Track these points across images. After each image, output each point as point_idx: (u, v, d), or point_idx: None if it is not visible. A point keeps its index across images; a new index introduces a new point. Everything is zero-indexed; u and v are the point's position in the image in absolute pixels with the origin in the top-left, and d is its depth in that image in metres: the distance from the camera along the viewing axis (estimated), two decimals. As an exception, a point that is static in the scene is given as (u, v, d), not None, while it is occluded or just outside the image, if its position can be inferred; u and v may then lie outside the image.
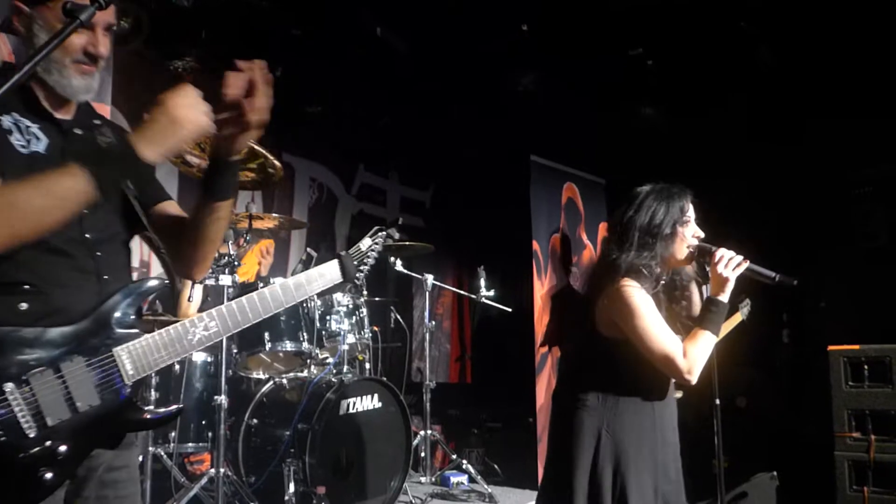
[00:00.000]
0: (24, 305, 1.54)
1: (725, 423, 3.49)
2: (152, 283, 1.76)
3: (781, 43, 5.36)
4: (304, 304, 4.04)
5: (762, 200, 6.01)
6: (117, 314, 1.64)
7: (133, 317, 1.66)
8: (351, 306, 4.27)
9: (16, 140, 1.61)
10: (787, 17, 5.08)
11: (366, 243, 2.04)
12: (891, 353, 4.47)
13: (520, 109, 6.18)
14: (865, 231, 5.93)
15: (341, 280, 1.92)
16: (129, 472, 1.74)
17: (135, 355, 1.62)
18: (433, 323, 5.15)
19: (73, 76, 1.69)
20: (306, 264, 4.41)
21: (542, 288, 5.27)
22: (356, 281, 2.04)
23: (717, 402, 3.53)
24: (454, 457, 4.88)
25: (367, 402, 3.98)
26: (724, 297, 2.35)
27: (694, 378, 2.29)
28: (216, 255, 3.84)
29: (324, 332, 4.15)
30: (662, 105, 6.21)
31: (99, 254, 1.69)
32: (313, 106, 5.98)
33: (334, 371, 4.17)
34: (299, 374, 4.22)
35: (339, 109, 6.10)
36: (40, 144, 1.65)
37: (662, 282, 2.44)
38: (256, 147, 3.68)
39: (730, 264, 2.34)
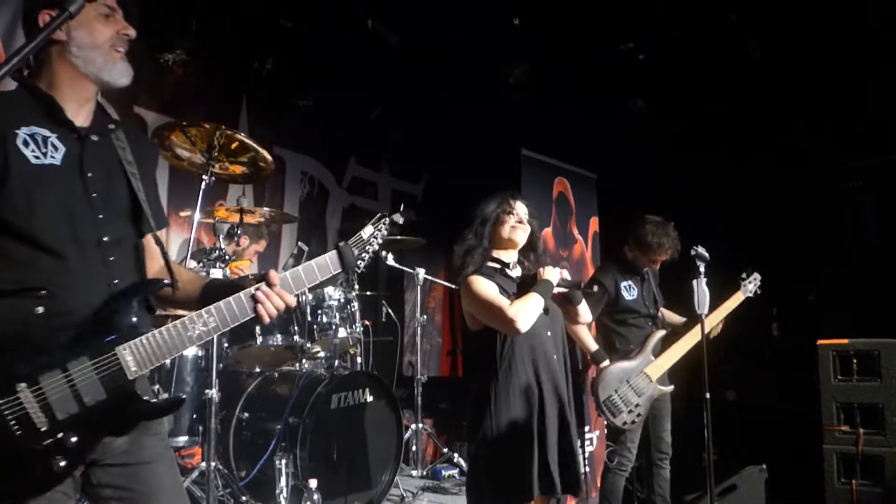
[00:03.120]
0: (39, 309, 1.66)
1: (715, 417, 3.51)
2: (153, 283, 1.87)
3: (771, 36, 5.37)
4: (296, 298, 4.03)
5: (752, 194, 6.04)
6: (121, 314, 1.74)
7: (135, 317, 1.75)
8: (342, 300, 4.26)
9: (30, 152, 1.71)
10: (777, 9, 5.08)
11: (367, 231, 2.05)
12: (879, 346, 4.50)
13: (511, 103, 6.17)
14: (855, 224, 5.96)
15: (340, 271, 1.96)
16: (148, 453, 1.82)
17: (136, 352, 1.71)
18: (424, 317, 5.15)
19: (117, 62, 1.83)
20: (297, 258, 4.40)
21: (532, 282, 5.27)
22: (356, 270, 2.05)
23: (707, 395, 3.55)
24: (445, 450, 4.89)
25: (358, 396, 3.98)
26: (549, 276, 2.90)
27: (520, 324, 2.72)
28: (207, 248, 3.83)
29: (315, 326, 4.14)
30: (653, 99, 6.21)
31: (112, 258, 1.79)
32: (304, 99, 5.96)
33: (325, 365, 4.17)
34: (291, 368, 4.21)
35: (330, 102, 6.08)
36: (57, 155, 1.75)
37: (507, 266, 3.03)
38: (247, 140, 3.67)
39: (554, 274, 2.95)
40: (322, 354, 4.30)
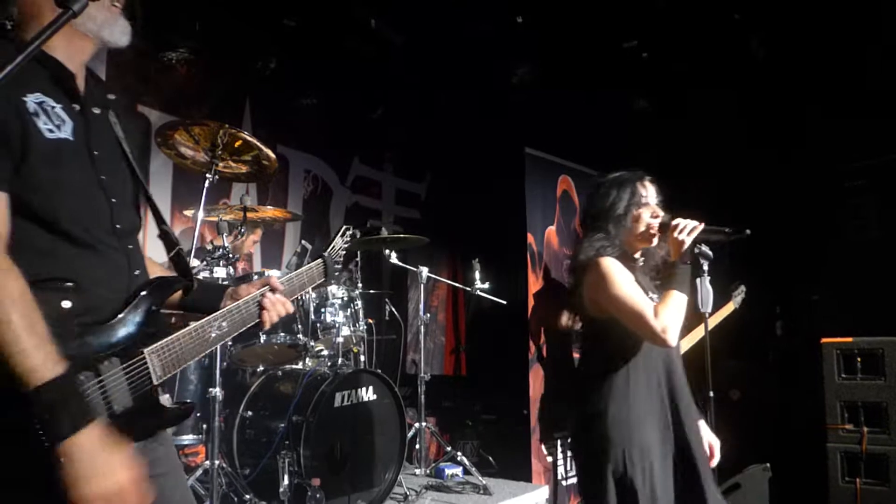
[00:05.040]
0: (66, 304, 1.49)
1: (718, 416, 3.51)
2: (175, 281, 1.78)
3: (774, 35, 5.36)
4: (300, 297, 4.03)
5: (755, 192, 6.03)
6: (145, 314, 1.62)
7: (159, 317, 1.65)
8: (346, 298, 4.26)
9: (43, 124, 1.51)
10: (780, 8, 5.07)
11: (338, 243, 2.17)
12: (883, 345, 4.49)
13: (514, 101, 6.17)
14: (857, 224, 5.94)
15: (324, 279, 2.04)
16: (160, 464, 1.70)
17: (163, 355, 1.61)
18: (428, 315, 5.15)
19: (118, 17, 1.65)
20: (301, 256, 4.40)
21: (536, 281, 5.28)
22: (333, 280, 2.16)
23: (711, 394, 3.55)
24: (449, 449, 4.88)
25: (361, 395, 3.98)
26: (684, 260, 2.47)
27: (669, 338, 2.34)
28: (211, 247, 3.84)
29: (318, 325, 4.14)
30: (656, 97, 6.20)
31: (130, 247, 1.68)
32: (308, 98, 5.96)
33: (329, 363, 4.17)
34: (294, 367, 4.21)
35: (333, 101, 6.09)
36: (66, 128, 1.55)
37: (639, 262, 2.59)
38: (251, 139, 3.67)
39: (684, 230, 2.44)
40: (325, 353, 4.31)
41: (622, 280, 2.41)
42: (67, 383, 1.35)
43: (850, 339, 4.64)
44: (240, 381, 4.18)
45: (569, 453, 5.13)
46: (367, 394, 4.01)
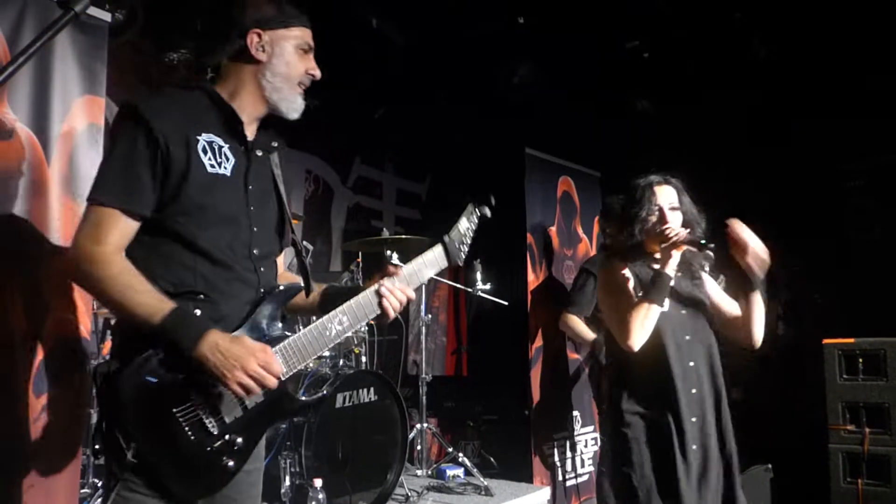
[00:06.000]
0: (197, 312, 1.75)
1: (720, 416, 3.50)
2: (292, 288, 1.97)
3: (775, 34, 5.35)
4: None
5: (756, 193, 6.02)
6: (268, 319, 1.85)
7: (280, 321, 1.89)
8: (347, 299, 4.25)
9: (207, 160, 1.80)
10: (782, 8, 5.07)
11: (463, 224, 2.14)
12: (885, 346, 4.49)
13: (515, 102, 6.16)
14: (859, 223, 5.94)
15: (447, 265, 2.06)
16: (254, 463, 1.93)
17: (286, 354, 1.81)
18: (429, 316, 5.15)
19: (297, 97, 1.96)
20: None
21: (536, 281, 5.27)
22: (459, 264, 2.12)
23: (713, 395, 3.54)
24: (450, 449, 4.88)
25: (363, 396, 3.98)
26: (668, 270, 2.54)
27: (632, 343, 2.46)
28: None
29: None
30: (658, 98, 6.20)
31: (262, 269, 1.90)
32: (309, 98, 5.96)
33: (330, 364, 4.17)
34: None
35: (335, 102, 6.08)
36: (228, 165, 1.84)
37: (656, 264, 2.63)
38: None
39: (669, 238, 2.55)
40: (326, 354, 4.30)
41: (611, 288, 2.61)
42: (179, 312, 1.68)
43: (851, 340, 4.64)
44: (241, 381, 4.17)
45: (568, 454, 5.13)
46: (369, 395, 4.01)
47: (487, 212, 2.22)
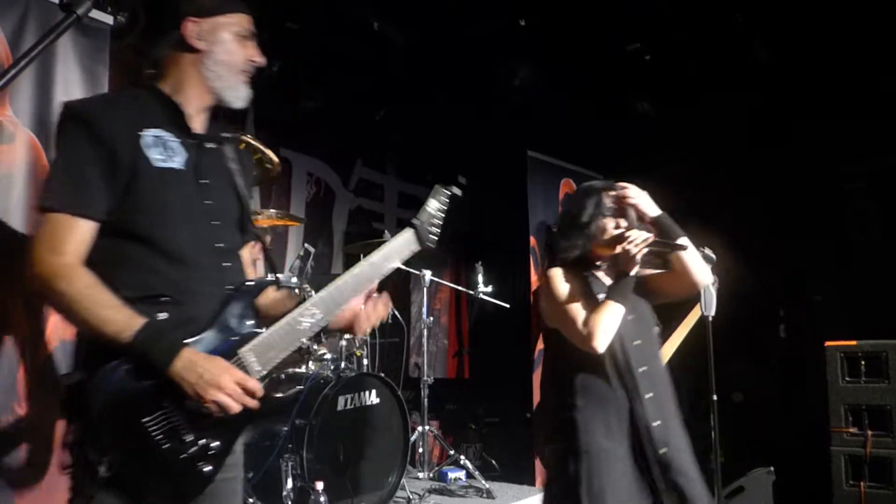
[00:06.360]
0: (164, 315, 1.69)
1: (722, 418, 3.51)
2: (261, 283, 1.90)
3: (776, 37, 5.35)
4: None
5: (756, 194, 6.02)
6: (238, 317, 1.78)
7: (250, 319, 1.80)
8: (348, 301, 4.25)
9: (155, 155, 1.74)
10: (783, 10, 5.07)
11: (432, 205, 2.15)
12: (887, 348, 4.49)
13: (517, 104, 6.16)
14: (859, 226, 5.93)
15: (419, 248, 2.06)
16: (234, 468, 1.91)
17: (258, 352, 1.75)
18: (431, 318, 5.15)
19: (241, 85, 1.92)
20: (304, 260, 4.40)
21: (538, 283, 5.27)
22: (431, 246, 2.09)
23: (714, 397, 3.56)
24: (452, 452, 4.88)
25: (364, 398, 3.98)
26: (631, 272, 2.47)
27: (597, 344, 2.37)
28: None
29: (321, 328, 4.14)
30: (659, 100, 6.19)
31: (227, 264, 1.85)
32: (310, 101, 5.96)
33: (332, 367, 4.17)
34: (297, 370, 4.21)
35: (336, 104, 6.08)
36: (178, 159, 1.79)
37: (600, 268, 2.63)
38: (253, 141, 3.67)
39: (633, 242, 2.44)
40: (328, 356, 4.30)
41: (560, 291, 2.51)
42: (150, 329, 1.62)
43: (853, 342, 4.63)
44: (242, 384, 4.17)
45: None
46: (370, 397, 4.01)
47: (457, 190, 2.20)
